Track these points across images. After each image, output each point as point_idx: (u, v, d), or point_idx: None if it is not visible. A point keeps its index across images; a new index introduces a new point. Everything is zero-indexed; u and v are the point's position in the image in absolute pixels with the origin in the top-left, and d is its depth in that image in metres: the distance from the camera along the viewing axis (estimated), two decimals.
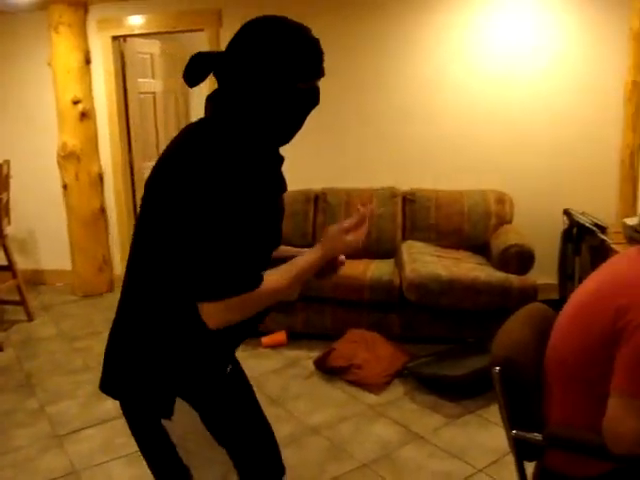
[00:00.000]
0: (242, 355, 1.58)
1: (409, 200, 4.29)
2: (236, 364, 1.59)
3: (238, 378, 1.59)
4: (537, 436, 1.56)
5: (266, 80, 1.30)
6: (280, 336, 3.88)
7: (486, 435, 2.82)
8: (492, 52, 4.33)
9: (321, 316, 3.85)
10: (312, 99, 1.38)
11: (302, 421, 3.00)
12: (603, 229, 3.61)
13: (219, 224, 1.23)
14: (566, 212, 3.73)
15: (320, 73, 1.36)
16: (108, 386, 1.41)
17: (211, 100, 1.38)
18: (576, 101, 4.27)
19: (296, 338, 3.91)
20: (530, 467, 1.71)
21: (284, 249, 1.56)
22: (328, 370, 3.44)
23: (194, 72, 1.32)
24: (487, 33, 4.31)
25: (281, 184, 1.42)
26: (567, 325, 1.60)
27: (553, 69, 4.27)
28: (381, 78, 4.53)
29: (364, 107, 4.60)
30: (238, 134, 1.30)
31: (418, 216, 4.25)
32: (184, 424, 1.35)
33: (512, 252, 3.67)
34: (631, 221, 3.28)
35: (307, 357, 3.69)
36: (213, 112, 1.37)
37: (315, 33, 1.37)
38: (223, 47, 1.38)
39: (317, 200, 4.40)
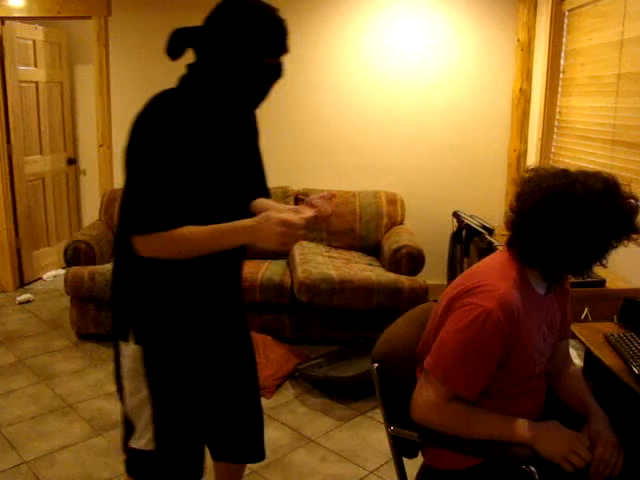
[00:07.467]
0: None
1: (301, 200, 4.23)
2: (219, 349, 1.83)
3: (211, 357, 1.77)
4: (413, 433, 1.52)
5: (234, 54, 1.46)
6: None
7: (377, 436, 2.79)
8: (389, 56, 4.37)
9: None
10: (275, 73, 1.54)
11: None
12: (490, 231, 3.70)
13: (142, 169, 1.44)
14: (455, 214, 3.79)
15: (283, 50, 1.51)
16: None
17: (187, 69, 1.54)
18: (467, 106, 4.39)
19: None
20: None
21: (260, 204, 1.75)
22: None
23: (175, 46, 1.49)
24: (385, 38, 4.34)
25: (223, 141, 1.56)
26: (431, 320, 1.61)
27: (446, 75, 4.37)
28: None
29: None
30: (186, 96, 1.49)
31: None
32: (133, 350, 1.61)
33: (403, 253, 3.69)
34: None
35: None
36: (181, 80, 1.54)
37: None
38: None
39: None
